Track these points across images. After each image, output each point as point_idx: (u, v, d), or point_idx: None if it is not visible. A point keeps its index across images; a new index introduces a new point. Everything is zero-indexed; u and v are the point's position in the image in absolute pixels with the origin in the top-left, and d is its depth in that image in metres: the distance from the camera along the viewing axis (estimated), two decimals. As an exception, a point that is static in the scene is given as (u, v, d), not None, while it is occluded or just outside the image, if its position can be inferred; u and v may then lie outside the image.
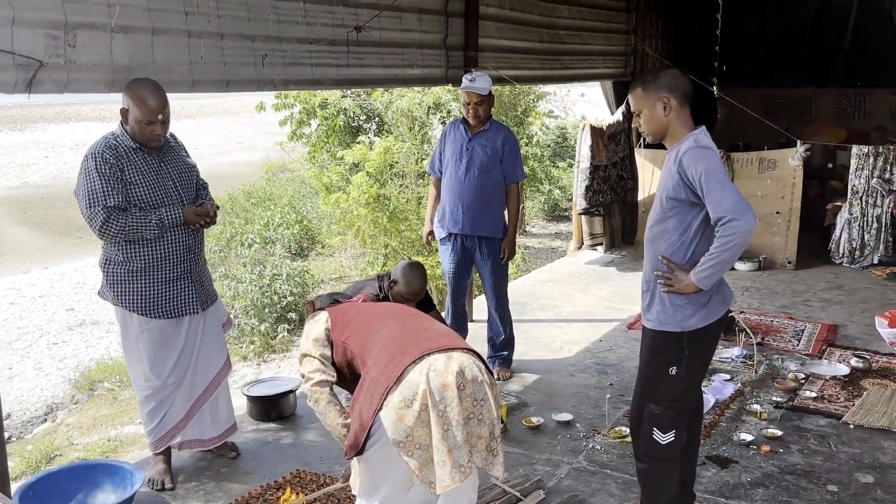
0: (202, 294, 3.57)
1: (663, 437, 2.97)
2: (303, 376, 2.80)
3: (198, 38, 3.67)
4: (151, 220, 3.29)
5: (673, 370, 2.93)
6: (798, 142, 7.37)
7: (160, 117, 3.27)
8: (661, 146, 3.08)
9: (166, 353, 3.49)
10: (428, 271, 9.39)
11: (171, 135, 3.50)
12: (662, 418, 2.97)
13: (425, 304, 3.97)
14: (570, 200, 12.39)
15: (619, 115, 8.16)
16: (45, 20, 3.06)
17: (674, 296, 2.90)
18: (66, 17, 3.12)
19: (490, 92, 4.63)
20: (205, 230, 3.61)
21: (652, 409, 2.99)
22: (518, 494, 3.42)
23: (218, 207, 3.61)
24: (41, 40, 3.05)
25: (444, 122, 11.61)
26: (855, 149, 7.34)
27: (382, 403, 2.43)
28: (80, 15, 3.17)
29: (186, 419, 3.64)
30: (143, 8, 3.42)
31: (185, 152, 3.62)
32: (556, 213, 14.62)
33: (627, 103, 7.94)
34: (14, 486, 3.37)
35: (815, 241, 7.90)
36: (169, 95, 3.35)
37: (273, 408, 4.31)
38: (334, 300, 3.10)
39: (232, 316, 4.89)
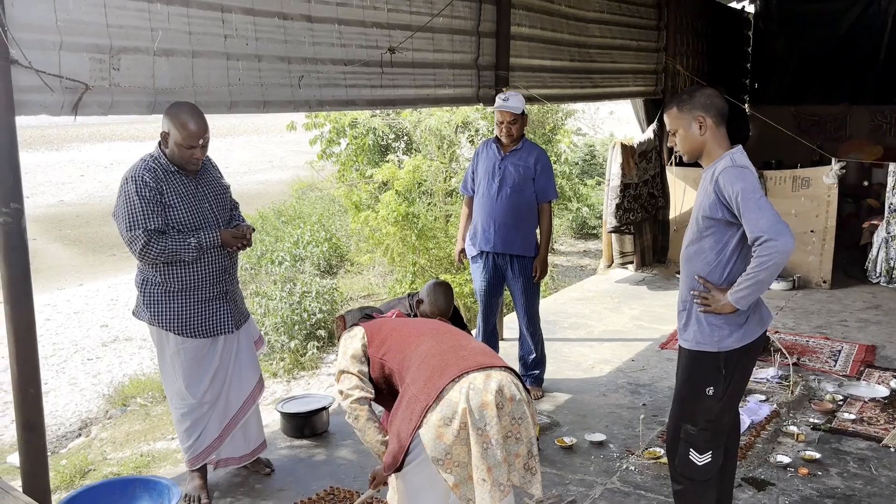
0: (236, 313, 3.61)
1: (700, 459, 2.94)
2: (341, 393, 2.81)
3: (236, 60, 3.74)
4: (191, 243, 3.32)
5: (710, 391, 2.91)
6: (833, 159, 7.28)
7: (201, 142, 3.32)
8: (692, 164, 3.07)
9: (202, 371, 3.53)
10: (456, 290, 9.37)
11: (207, 156, 3.55)
12: (699, 439, 2.94)
13: (456, 324, 3.97)
14: (599, 218, 12.35)
15: (650, 132, 8.14)
16: (90, 45, 3.15)
17: (710, 316, 2.88)
18: (110, 41, 3.21)
19: (523, 111, 4.65)
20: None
21: (688, 429, 2.96)
22: (552, 515, 3.40)
23: (253, 230, 3.66)
24: (87, 64, 3.13)
25: (472, 141, 11.67)
26: (892, 166, 7.23)
27: (422, 421, 2.44)
28: (124, 39, 3.26)
29: (222, 438, 3.67)
30: (184, 32, 3.50)
31: (219, 173, 3.67)
32: (585, 231, 14.57)
33: (659, 121, 7.93)
34: (54, 500, 3.42)
35: (850, 261, 7.80)
36: (206, 116, 3.41)
37: (306, 424, 4.33)
38: (365, 315, 3.11)
39: (262, 333, 4.93)
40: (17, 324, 2.93)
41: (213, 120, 3.61)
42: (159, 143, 3.38)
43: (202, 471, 3.70)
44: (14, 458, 5.70)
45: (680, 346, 3.04)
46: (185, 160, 3.34)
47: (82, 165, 27.29)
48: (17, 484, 3.03)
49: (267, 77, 3.91)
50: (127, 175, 3.31)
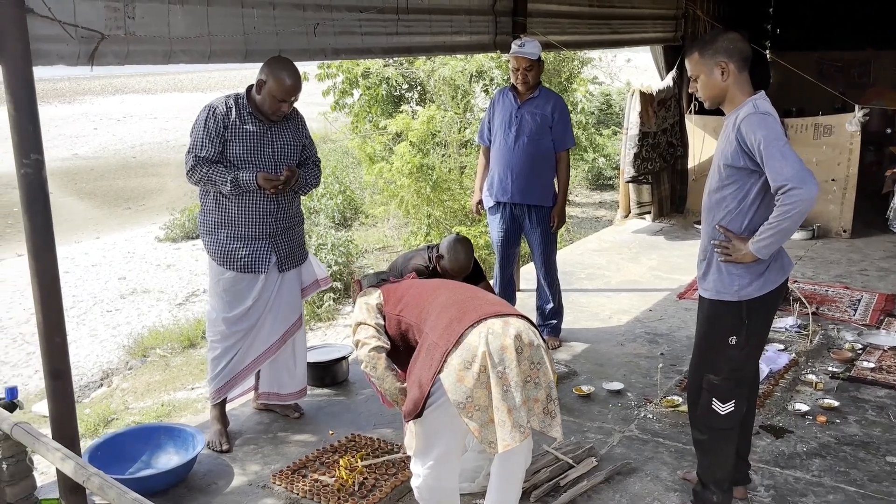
0: (283, 257, 3.75)
1: (723, 408, 2.95)
2: (357, 343, 2.83)
3: (251, 8, 3.69)
4: (227, 178, 3.51)
5: (733, 340, 2.89)
6: (856, 106, 7.14)
7: (292, 98, 3.56)
8: (712, 112, 3.00)
9: (238, 303, 3.70)
10: (472, 241, 9.37)
11: (295, 109, 3.71)
12: (722, 389, 2.94)
13: (475, 276, 3.97)
14: (615, 169, 12.23)
15: (669, 80, 8.00)
16: (104, -8, 3.10)
17: (731, 265, 2.85)
18: (124, -12, 3.15)
19: (539, 57, 4.57)
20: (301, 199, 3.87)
21: (711, 379, 2.96)
22: (571, 461, 3.44)
23: (293, 174, 3.60)
24: (102, 13, 3.08)
25: (486, 91, 11.51)
26: (915, 113, 7.10)
27: (442, 366, 2.47)
28: (138, -14, 3.20)
29: (247, 372, 3.82)
30: (198, -22, 3.43)
31: (302, 127, 3.80)
32: (600, 182, 14.43)
33: (679, 68, 7.78)
34: (81, 447, 3.49)
35: (871, 210, 7.70)
36: (222, 66, 3.40)
37: (327, 373, 4.39)
38: (381, 279, 3.14)
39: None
40: (41, 273, 2.94)
41: (225, 71, 3.62)
42: (249, 87, 3.61)
43: (223, 417, 3.79)
44: (40, 407, 5.82)
45: (700, 296, 3.03)
46: (273, 110, 3.56)
47: (95, 118, 27.21)
48: (46, 431, 3.09)
49: (282, 25, 3.85)
50: (208, 104, 3.59)
